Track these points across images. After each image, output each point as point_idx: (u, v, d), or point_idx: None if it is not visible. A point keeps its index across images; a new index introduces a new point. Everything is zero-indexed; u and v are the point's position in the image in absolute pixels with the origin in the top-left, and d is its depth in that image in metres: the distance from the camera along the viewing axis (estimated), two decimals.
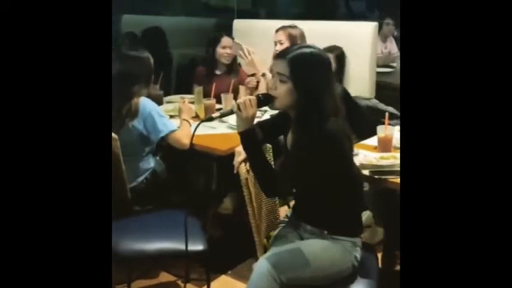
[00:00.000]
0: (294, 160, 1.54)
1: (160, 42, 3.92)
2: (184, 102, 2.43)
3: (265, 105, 1.59)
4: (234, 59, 3.13)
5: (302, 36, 2.89)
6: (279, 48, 2.88)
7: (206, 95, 2.70)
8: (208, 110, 2.52)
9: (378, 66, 3.35)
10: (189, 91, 3.15)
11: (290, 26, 2.93)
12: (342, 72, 2.83)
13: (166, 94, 3.04)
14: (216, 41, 3.12)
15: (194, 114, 2.48)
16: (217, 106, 2.69)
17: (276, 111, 1.75)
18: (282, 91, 1.53)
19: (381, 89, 3.18)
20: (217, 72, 3.17)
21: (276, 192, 1.67)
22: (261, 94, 1.60)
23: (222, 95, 2.72)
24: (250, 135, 1.56)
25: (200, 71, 3.24)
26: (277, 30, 2.95)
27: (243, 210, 1.77)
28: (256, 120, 1.61)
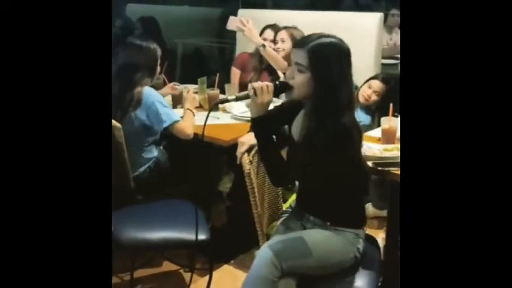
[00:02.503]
0: (304, 150, 1.53)
1: (156, 32, 3.88)
2: (188, 91, 2.43)
3: (281, 93, 1.59)
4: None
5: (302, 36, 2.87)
6: (281, 46, 2.89)
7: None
8: (211, 100, 2.52)
9: (383, 58, 3.34)
10: (194, 81, 3.14)
11: (292, 27, 2.93)
12: None
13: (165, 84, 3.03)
14: (259, 34, 2.98)
15: (198, 104, 2.48)
16: (221, 96, 2.69)
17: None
18: (300, 81, 1.52)
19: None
20: (262, 65, 3.07)
21: (284, 182, 1.66)
22: (278, 81, 1.58)
23: (226, 85, 2.73)
24: (263, 122, 1.55)
25: (243, 58, 3.17)
26: (279, 30, 2.95)
27: (245, 201, 1.77)
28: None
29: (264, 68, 3.03)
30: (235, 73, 3.10)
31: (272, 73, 2.96)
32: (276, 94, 1.55)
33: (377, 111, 2.75)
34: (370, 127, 2.59)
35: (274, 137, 1.84)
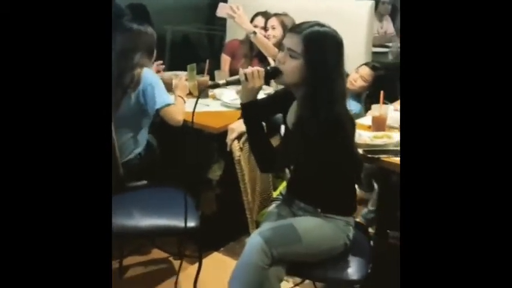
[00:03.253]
0: (296, 139, 1.52)
1: (145, 19, 3.83)
2: (180, 79, 2.41)
3: (272, 79, 1.57)
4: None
5: (293, 24, 2.82)
6: (271, 32, 2.87)
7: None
8: (201, 87, 2.49)
9: (374, 46, 3.33)
10: (183, 68, 3.11)
11: (283, 14, 2.92)
12: None
13: (157, 71, 3.00)
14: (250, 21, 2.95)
15: (188, 91, 2.45)
16: (210, 83, 2.67)
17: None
18: (291, 67, 1.51)
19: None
20: (253, 52, 3.03)
21: (272, 168, 1.65)
22: (270, 67, 1.57)
23: (216, 72, 2.71)
24: (253, 108, 1.54)
25: (233, 45, 3.14)
26: (270, 17, 2.93)
27: (235, 188, 1.77)
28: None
29: (255, 55, 3.00)
30: (225, 60, 3.08)
31: (262, 60, 2.94)
32: (267, 79, 1.53)
33: (367, 99, 2.75)
34: (360, 116, 2.59)
35: (264, 124, 1.83)
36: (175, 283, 2.05)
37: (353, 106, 2.67)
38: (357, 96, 2.78)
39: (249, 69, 1.50)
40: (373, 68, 2.77)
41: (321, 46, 1.49)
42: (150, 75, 2.17)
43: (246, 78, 1.49)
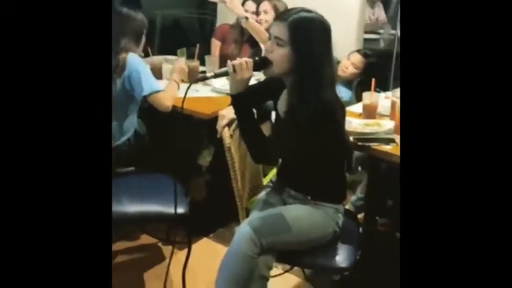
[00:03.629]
0: (288, 127, 1.51)
1: (135, 2, 3.77)
2: (180, 62, 2.37)
3: (261, 69, 1.55)
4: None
5: (285, 7, 2.80)
6: (263, 17, 2.84)
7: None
8: (191, 71, 2.47)
9: (365, 32, 3.32)
10: (173, 52, 3.07)
11: None
12: None
13: (147, 55, 2.96)
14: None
15: (185, 77, 2.42)
16: (201, 68, 2.64)
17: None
18: (279, 55, 1.49)
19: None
20: (244, 38, 3.01)
21: (265, 158, 1.65)
22: (258, 57, 1.55)
23: (206, 57, 2.68)
24: (243, 99, 1.52)
25: (224, 30, 3.08)
26: (261, 1, 2.89)
27: (225, 174, 1.76)
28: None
29: (245, 40, 2.97)
30: (216, 45, 3.05)
31: (254, 45, 2.92)
32: (256, 70, 1.51)
33: (358, 87, 2.75)
34: (350, 103, 2.58)
35: (255, 111, 1.82)
36: (167, 269, 2.04)
37: (343, 93, 2.66)
38: (347, 83, 2.77)
39: (237, 61, 1.48)
40: (364, 55, 2.76)
41: (307, 32, 1.47)
42: (136, 60, 2.13)
43: (235, 70, 1.47)
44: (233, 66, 1.47)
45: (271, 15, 2.81)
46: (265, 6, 2.85)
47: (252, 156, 1.60)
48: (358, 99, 2.56)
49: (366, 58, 2.75)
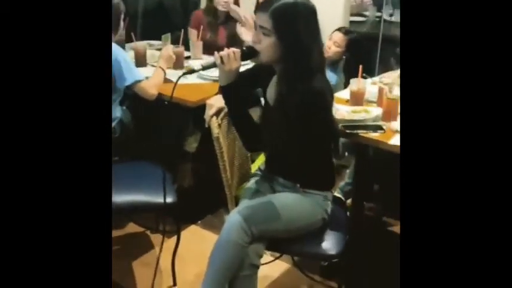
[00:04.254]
0: (277, 114, 1.50)
1: None
2: (167, 49, 2.33)
3: (249, 59, 1.53)
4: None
5: None
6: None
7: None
8: (177, 58, 2.43)
9: (351, 15, 3.29)
10: (158, 37, 3.01)
11: None
12: None
13: (129, 41, 2.89)
14: None
15: (172, 65, 2.37)
16: (186, 54, 2.60)
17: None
18: (266, 45, 1.47)
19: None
20: (219, 21, 2.94)
21: (257, 147, 1.64)
22: (245, 47, 1.53)
23: (191, 42, 2.63)
24: (233, 90, 1.50)
25: (198, 16, 2.98)
26: None
27: (212, 161, 1.74)
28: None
29: (220, 23, 2.91)
30: (193, 33, 2.93)
31: (229, 27, 2.87)
32: (244, 60, 1.50)
33: (345, 71, 2.74)
34: (337, 87, 2.58)
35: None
36: (158, 258, 2.03)
37: (331, 77, 2.65)
38: (333, 66, 2.76)
39: (225, 52, 1.46)
40: (345, 32, 2.75)
41: (289, 19, 1.45)
42: (115, 50, 2.08)
43: (222, 61, 1.45)
44: (221, 57, 1.45)
45: None
46: None
47: (244, 145, 1.60)
48: (346, 84, 2.55)
49: (347, 35, 2.74)
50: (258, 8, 1.54)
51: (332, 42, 2.71)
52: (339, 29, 2.79)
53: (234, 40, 2.78)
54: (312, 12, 1.48)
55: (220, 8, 2.85)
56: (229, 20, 2.87)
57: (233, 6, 2.76)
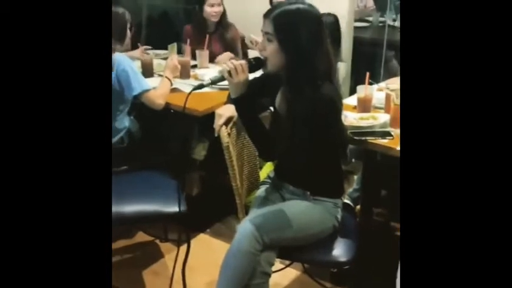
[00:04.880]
0: (285, 122, 1.51)
1: None
2: (172, 59, 2.35)
3: (257, 70, 1.54)
4: (223, 15, 2.93)
5: None
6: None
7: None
8: (183, 67, 2.44)
9: (354, 21, 3.30)
10: (161, 46, 3.03)
11: None
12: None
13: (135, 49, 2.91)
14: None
15: (178, 74, 2.39)
16: (192, 63, 2.62)
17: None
18: (270, 51, 1.49)
19: (356, 44, 3.14)
20: (208, 30, 2.95)
21: (274, 155, 1.65)
22: (252, 58, 1.55)
23: (197, 52, 2.65)
24: (245, 101, 1.51)
25: (188, 30, 3.02)
26: None
27: (220, 168, 1.74)
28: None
29: (213, 32, 2.92)
30: (186, 49, 2.86)
31: (221, 37, 2.90)
32: (252, 71, 1.51)
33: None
34: None
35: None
36: (173, 269, 2.03)
37: None
38: None
39: (232, 65, 1.47)
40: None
41: (290, 25, 1.46)
42: (123, 60, 2.09)
43: (230, 75, 1.47)
44: (229, 71, 1.47)
45: None
46: None
47: (260, 155, 1.62)
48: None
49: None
50: (264, 15, 1.55)
51: None
52: None
53: (229, 48, 2.81)
54: (314, 18, 1.49)
55: (212, 19, 2.89)
56: (219, 29, 2.92)
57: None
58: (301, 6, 1.49)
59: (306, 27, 1.46)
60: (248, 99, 1.51)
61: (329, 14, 2.55)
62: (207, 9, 2.88)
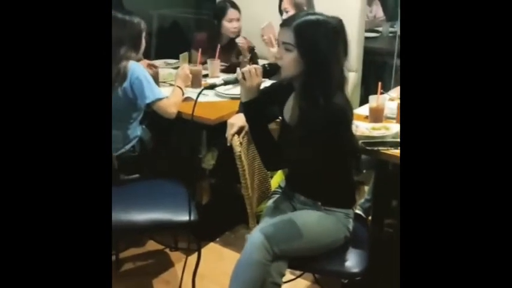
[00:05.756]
0: (296, 131, 1.51)
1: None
2: (183, 68, 2.36)
3: (271, 75, 1.55)
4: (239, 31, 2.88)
5: (309, 2, 2.67)
6: (286, 17, 2.78)
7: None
8: (194, 76, 2.46)
9: (365, 31, 3.31)
10: (172, 55, 3.04)
11: None
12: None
13: (147, 59, 2.92)
14: (221, 14, 2.85)
15: (189, 83, 2.40)
16: (204, 72, 2.63)
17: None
18: (288, 61, 1.49)
19: (366, 55, 3.14)
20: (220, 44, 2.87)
21: (278, 165, 1.64)
22: (267, 64, 1.55)
23: (209, 61, 2.66)
24: (254, 106, 1.52)
25: (199, 39, 2.94)
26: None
27: (229, 177, 1.74)
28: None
29: (225, 44, 2.86)
30: (195, 55, 2.82)
31: (231, 49, 2.87)
32: (265, 77, 1.52)
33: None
34: None
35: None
36: (181, 278, 2.03)
37: None
38: None
39: (246, 68, 1.48)
40: None
41: (312, 35, 1.47)
42: (137, 68, 2.11)
43: (244, 77, 1.47)
44: (242, 73, 1.47)
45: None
46: (285, 4, 2.66)
47: (263, 163, 1.60)
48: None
49: None
50: (282, 24, 1.55)
51: None
52: None
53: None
54: (335, 31, 1.51)
55: (231, 35, 2.84)
56: (232, 42, 2.87)
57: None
58: (320, 17, 1.50)
59: (326, 38, 1.48)
60: (258, 105, 1.52)
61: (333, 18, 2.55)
62: (226, 24, 2.84)
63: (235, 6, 2.87)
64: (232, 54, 2.89)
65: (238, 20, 2.85)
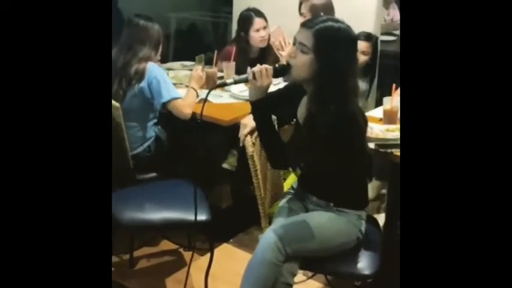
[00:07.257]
0: (308, 135, 1.52)
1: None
2: (197, 69, 2.40)
3: (281, 76, 1.57)
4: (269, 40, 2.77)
5: (327, 7, 2.62)
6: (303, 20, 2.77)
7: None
8: (209, 78, 2.48)
9: (381, 34, 3.30)
10: (188, 57, 3.07)
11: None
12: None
13: (165, 61, 2.96)
14: (248, 24, 2.77)
15: (204, 85, 2.42)
16: (219, 74, 2.65)
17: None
18: (302, 62, 1.50)
19: (383, 58, 3.13)
20: (251, 55, 2.84)
21: (283, 165, 1.66)
22: (278, 64, 1.57)
23: (224, 63, 2.67)
24: (262, 106, 1.53)
25: (228, 52, 2.75)
26: (301, 2, 2.70)
27: (245, 180, 1.75)
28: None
29: (256, 57, 2.79)
30: (225, 66, 2.70)
31: (263, 61, 2.84)
32: (275, 77, 1.53)
33: (370, 74, 2.75)
34: (366, 93, 2.58)
35: (274, 117, 1.82)
36: (187, 275, 2.05)
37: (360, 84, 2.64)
38: (363, 74, 2.75)
39: (257, 68, 1.50)
40: (366, 39, 2.73)
41: (332, 41, 1.48)
42: (155, 69, 2.19)
43: (254, 77, 1.49)
44: (253, 73, 1.49)
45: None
46: (303, 9, 2.62)
47: (269, 161, 1.63)
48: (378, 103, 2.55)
49: (370, 41, 2.74)
50: (302, 25, 1.55)
51: (359, 52, 2.69)
52: (358, 38, 2.74)
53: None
54: (352, 39, 1.53)
55: (260, 45, 2.79)
56: (264, 55, 2.80)
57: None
58: (342, 25, 1.51)
59: (345, 46, 1.49)
60: (265, 104, 1.53)
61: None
62: (254, 34, 2.76)
63: (260, 15, 2.79)
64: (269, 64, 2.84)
65: (265, 28, 2.77)
